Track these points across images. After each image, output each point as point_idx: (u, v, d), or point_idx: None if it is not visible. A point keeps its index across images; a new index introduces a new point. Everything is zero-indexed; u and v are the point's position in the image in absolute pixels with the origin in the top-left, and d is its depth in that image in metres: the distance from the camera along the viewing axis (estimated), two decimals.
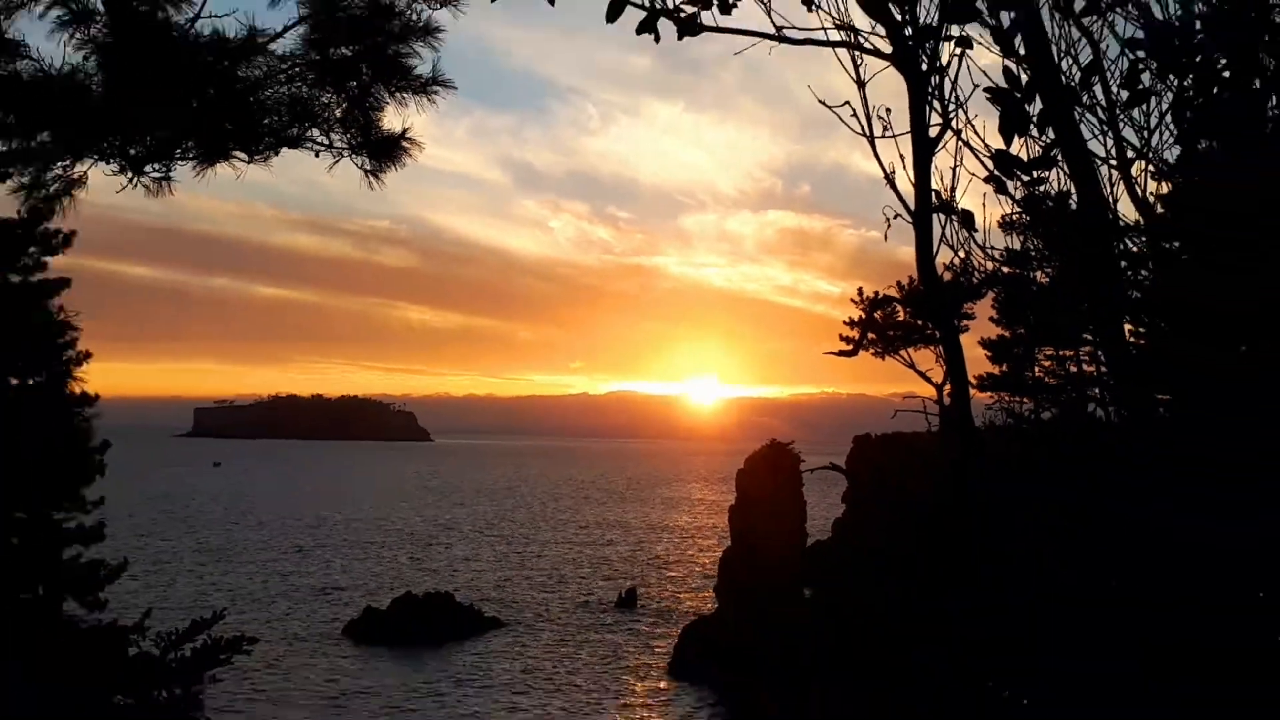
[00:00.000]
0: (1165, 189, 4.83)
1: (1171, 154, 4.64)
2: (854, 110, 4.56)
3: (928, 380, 38.19)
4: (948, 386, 4.60)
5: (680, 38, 4.41)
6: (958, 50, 4.39)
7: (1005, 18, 4.16)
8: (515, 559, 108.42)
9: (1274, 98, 4.27)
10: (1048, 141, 4.34)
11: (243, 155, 6.90)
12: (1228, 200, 4.32)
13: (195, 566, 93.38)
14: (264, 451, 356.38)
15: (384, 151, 7.15)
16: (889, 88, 4.66)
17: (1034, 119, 4.18)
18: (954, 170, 4.52)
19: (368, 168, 7.17)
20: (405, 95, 7.00)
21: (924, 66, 4.43)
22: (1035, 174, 4.42)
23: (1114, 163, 4.75)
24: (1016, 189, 4.50)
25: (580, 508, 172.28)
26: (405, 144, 7.17)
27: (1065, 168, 4.45)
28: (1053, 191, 4.68)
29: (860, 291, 45.70)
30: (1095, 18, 4.49)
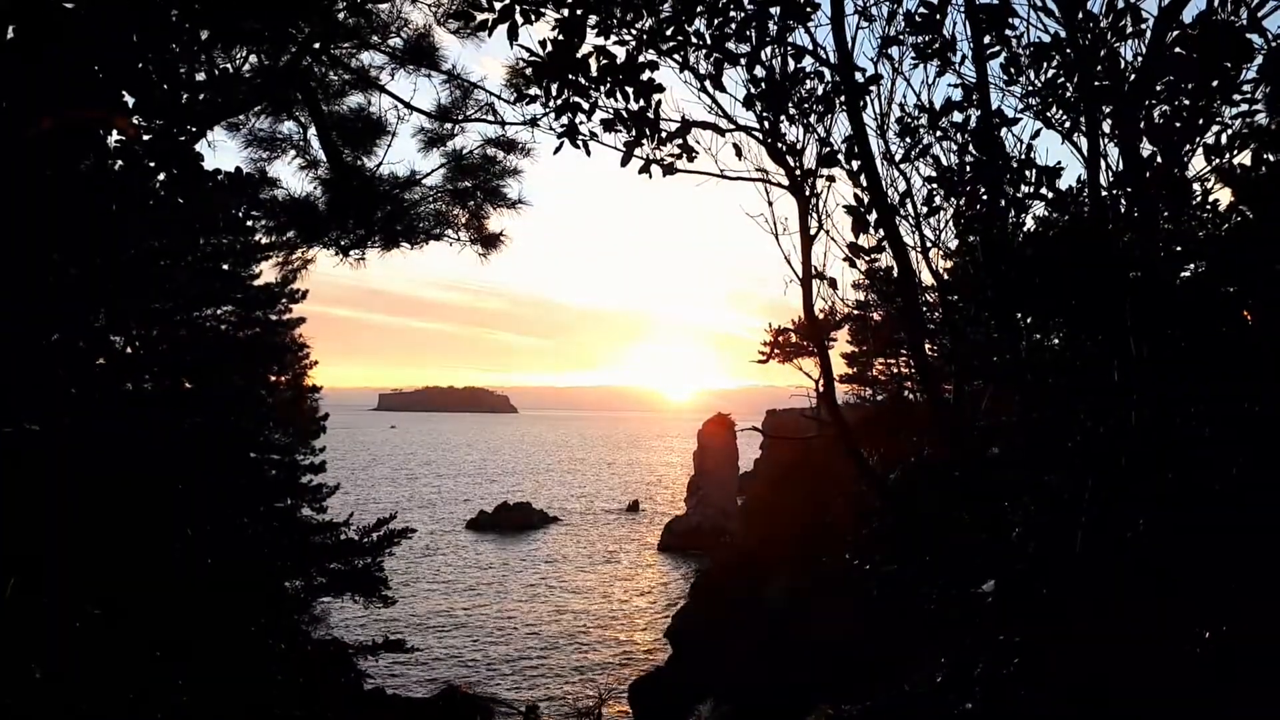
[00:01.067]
0: (948, 264, 4.81)
1: (952, 244, 4.63)
2: (766, 219, 4.55)
3: (809, 377, 38.06)
4: (822, 381, 4.54)
5: (665, 176, 4.40)
6: (827, 183, 4.38)
7: (854, 164, 4.16)
8: (569, 481, 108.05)
9: (1012, 211, 4.25)
10: (880, 237, 4.32)
11: (407, 245, 6.89)
12: (981, 271, 4.30)
13: (379, 487, 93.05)
14: (421, 419, 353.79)
15: (489, 243, 7.12)
16: (786, 205, 4.64)
17: (871, 224, 4.17)
18: (824, 254, 4.50)
19: (480, 252, 7.14)
20: (502, 209, 6.99)
21: (807, 193, 4.42)
22: (872, 256, 4.40)
23: (919, 249, 4.72)
24: (861, 265, 4.48)
25: (606, 452, 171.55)
26: (501, 238, 7.15)
27: (890, 252, 4.42)
28: (883, 266, 4.66)
29: (770, 325, 45.70)
30: (907, 164, 4.48)
